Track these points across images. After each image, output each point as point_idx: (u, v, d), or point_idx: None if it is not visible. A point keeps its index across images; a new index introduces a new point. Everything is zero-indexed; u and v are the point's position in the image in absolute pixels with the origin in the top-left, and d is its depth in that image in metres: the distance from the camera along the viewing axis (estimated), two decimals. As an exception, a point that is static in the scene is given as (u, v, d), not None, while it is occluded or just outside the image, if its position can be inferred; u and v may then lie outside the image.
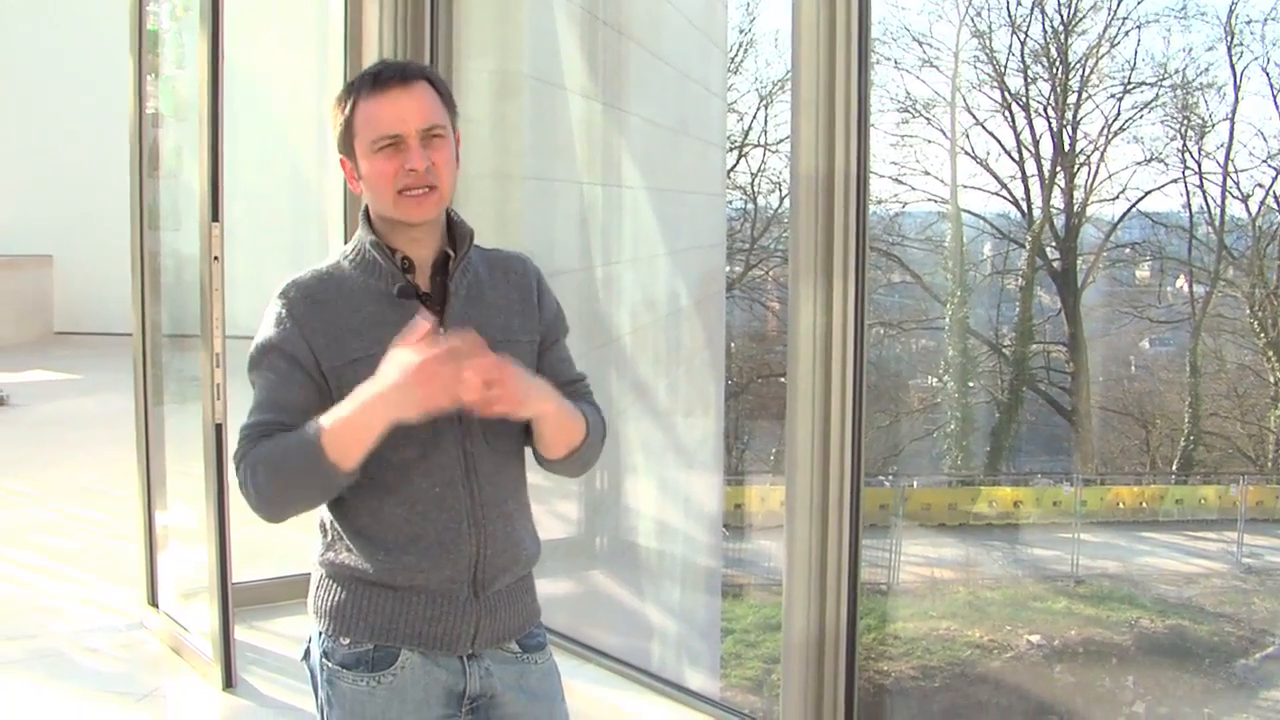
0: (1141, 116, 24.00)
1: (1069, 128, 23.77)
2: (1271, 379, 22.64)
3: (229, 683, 3.67)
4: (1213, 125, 23.96)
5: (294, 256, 7.41)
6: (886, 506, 19.00)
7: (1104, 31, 23.69)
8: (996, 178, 24.34)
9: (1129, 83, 23.58)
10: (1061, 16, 23.77)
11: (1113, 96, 23.78)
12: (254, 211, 6.69)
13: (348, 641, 1.86)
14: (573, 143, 6.32)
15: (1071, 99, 23.86)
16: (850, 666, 3.04)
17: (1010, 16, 24.14)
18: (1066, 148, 23.73)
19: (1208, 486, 21.26)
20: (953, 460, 22.99)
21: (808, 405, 2.99)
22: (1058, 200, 24.03)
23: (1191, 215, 23.90)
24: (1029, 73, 24.10)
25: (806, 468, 3.00)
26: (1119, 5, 23.20)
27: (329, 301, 1.83)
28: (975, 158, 24.37)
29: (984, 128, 24.43)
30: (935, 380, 24.43)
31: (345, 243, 1.91)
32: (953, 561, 19.02)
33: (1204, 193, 23.74)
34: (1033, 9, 23.98)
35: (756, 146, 25.11)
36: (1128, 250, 25.23)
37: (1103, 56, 23.82)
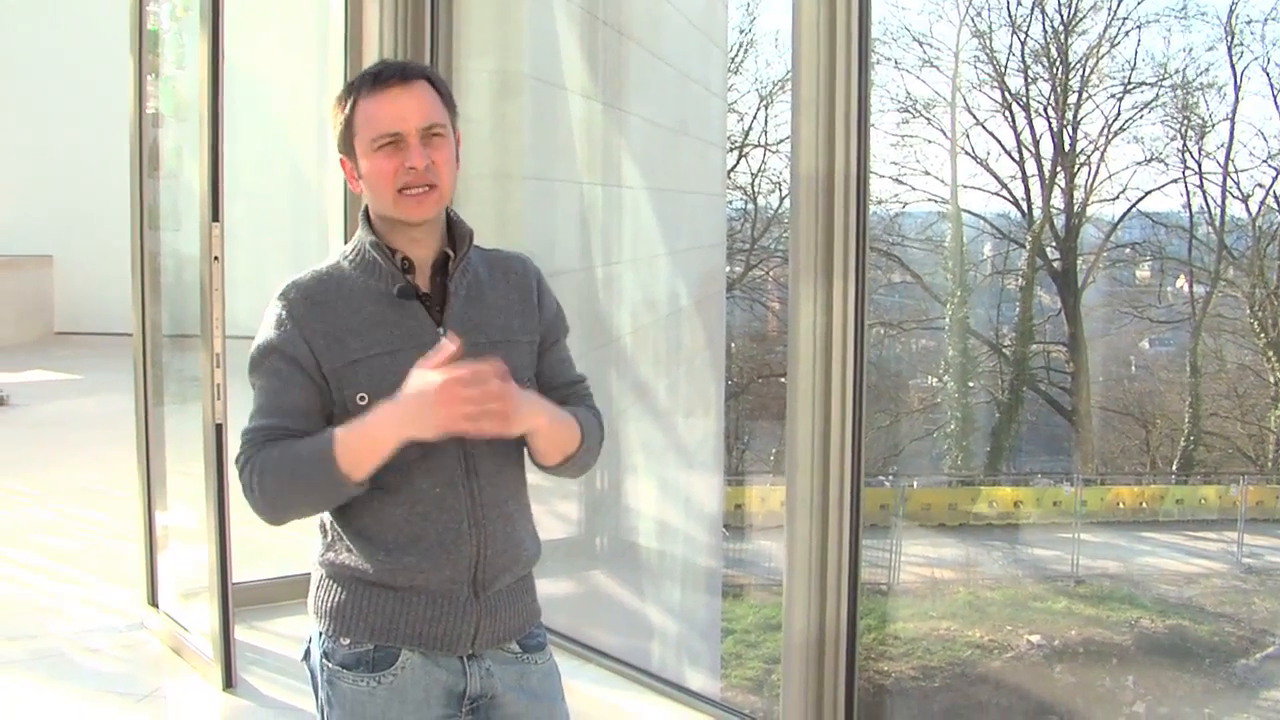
0: (1141, 116, 24.06)
1: (1069, 128, 23.79)
2: (1271, 379, 22.63)
3: (229, 683, 3.67)
4: (1213, 125, 24.02)
5: (294, 256, 7.42)
6: (887, 506, 19.00)
7: (1104, 31, 23.74)
8: (997, 178, 24.38)
9: (1129, 83, 23.63)
10: (1062, 16, 23.80)
11: (1113, 96, 23.82)
12: (254, 211, 6.71)
13: (348, 642, 1.86)
14: (573, 143, 6.32)
15: (1072, 99, 23.88)
16: (850, 666, 3.04)
17: (1010, 16, 24.17)
18: (1067, 148, 23.74)
19: (1208, 486, 21.26)
20: (953, 460, 22.99)
21: (808, 405, 2.99)
22: (1058, 200, 24.04)
23: (1191, 215, 23.94)
24: (1029, 73, 24.14)
25: (807, 468, 3.00)
26: (1119, 5, 23.25)
27: (329, 302, 1.83)
28: (975, 158, 24.42)
29: (984, 128, 24.48)
30: (935, 380, 24.44)
31: (345, 243, 1.91)
32: (953, 561, 19.02)
33: (1204, 193, 23.79)
34: (1033, 9, 24.01)
35: (757, 146, 25.16)
36: (1128, 250, 25.24)
37: (1103, 56, 23.86)
